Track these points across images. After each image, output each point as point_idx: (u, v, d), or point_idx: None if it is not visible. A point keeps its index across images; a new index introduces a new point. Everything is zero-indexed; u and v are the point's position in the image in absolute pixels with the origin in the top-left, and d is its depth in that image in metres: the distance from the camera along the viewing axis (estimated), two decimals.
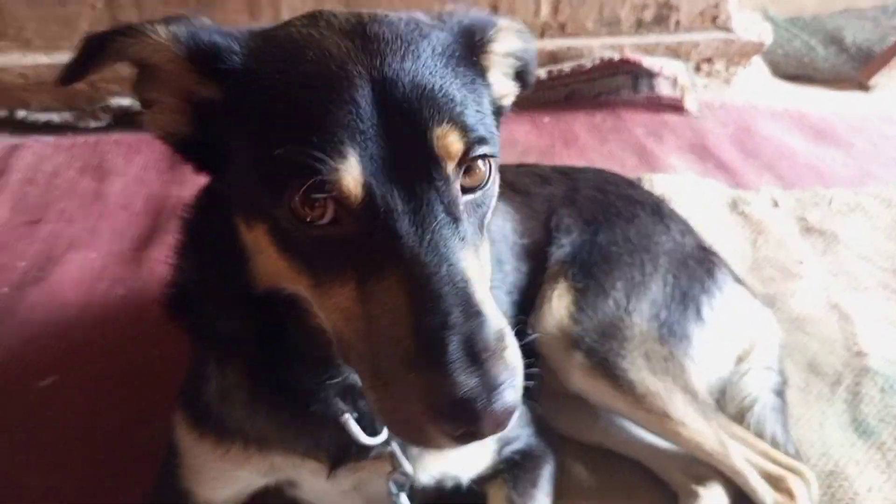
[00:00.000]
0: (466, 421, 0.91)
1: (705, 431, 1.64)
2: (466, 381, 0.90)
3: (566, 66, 3.35)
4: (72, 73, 1.10)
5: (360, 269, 0.98)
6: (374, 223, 0.97)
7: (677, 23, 3.56)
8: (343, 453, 1.34)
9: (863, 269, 2.51)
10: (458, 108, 1.02)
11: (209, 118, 1.08)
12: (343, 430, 1.28)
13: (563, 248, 1.88)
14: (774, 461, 1.65)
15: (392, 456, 1.34)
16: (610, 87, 3.53)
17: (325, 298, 1.03)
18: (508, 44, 1.26)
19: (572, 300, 1.76)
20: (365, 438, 1.29)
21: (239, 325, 1.23)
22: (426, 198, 0.98)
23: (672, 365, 1.71)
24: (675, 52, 3.55)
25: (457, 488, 1.53)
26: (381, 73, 1.00)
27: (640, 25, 3.51)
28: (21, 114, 3.15)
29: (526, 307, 1.82)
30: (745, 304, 1.96)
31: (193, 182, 2.85)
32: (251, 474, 1.41)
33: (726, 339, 1.86)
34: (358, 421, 1.28)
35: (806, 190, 2.94)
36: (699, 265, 1.91)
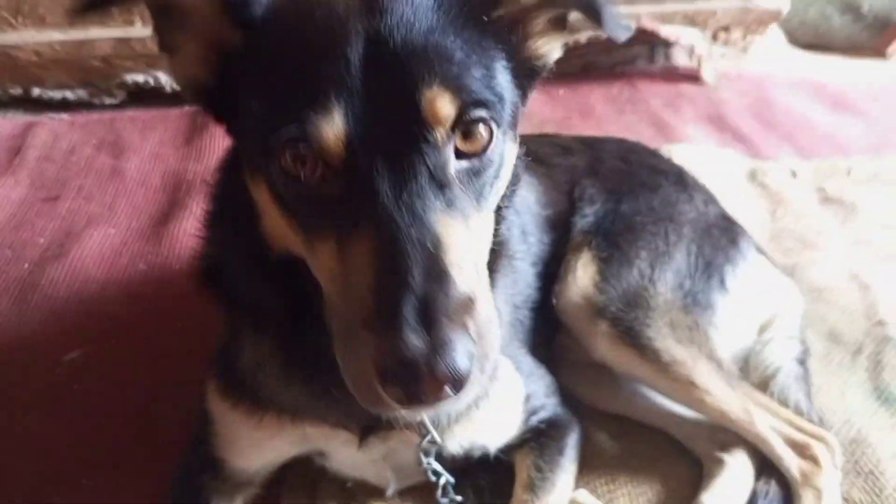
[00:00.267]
0: (406, 382, 0.89)
1: (730, 399, 1.64)
2: (412, 341, 0.88)
3: (582, 37, 3.31)
4: (94, 2, 1.08)
5: (340, 227, 0.98)
6: (355, 182, 0.97)
7: None
8: (373, 420, 1.35)
9: (882, 239, 2.50)
10: (454, 70, 0.99)
11: (229, 68, 1.09)
12: None
13: (586, 217, 1.88)
14: (799, 429, 1.65)
15: (421, 424, 1.35)
16: (626, 58, 3.49)
17: (314, 258, 1.04)
18: None
19: (597, 269, 1.76)
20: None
21: (267, 293, 1.23)
22: (410, 160, 0.97)
23: (697, 333, 1.71)
24: (692, 20, 3.49)
25: (484, 457, 1.55)
26: (377, 30, 0.98)
27: None
28: (36, 91, 3.14)
29: (550, 278, 1.82)
30: (768, 274, 1.96)
31: (209, 157, 2.87)
32: (283, 443, 1.42)
33: (750, 309, 1.86)
34: None
35: (824, 160, 2.92)
36: (723, 234, 1.91)
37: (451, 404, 0.95)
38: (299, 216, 1.04)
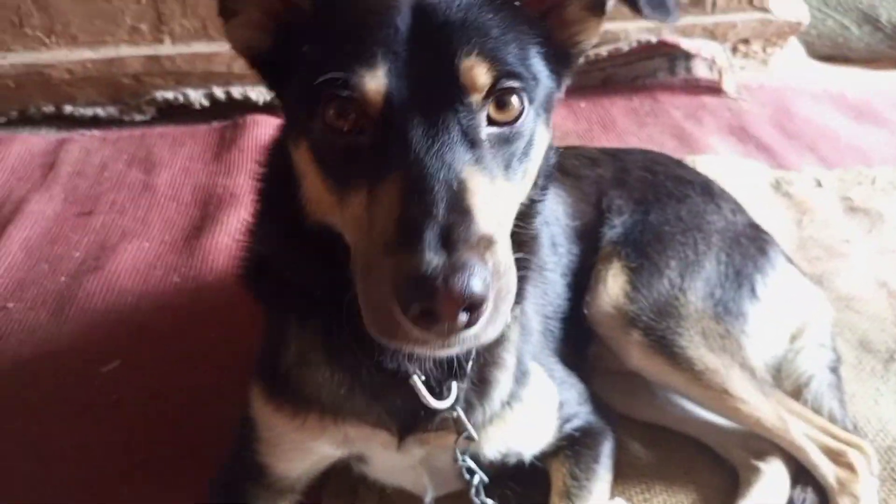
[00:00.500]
0: (422, 295, 0.91)
1: (764, 407, 1.65)
2: (431, 259, 0.92)
3: (603, 50, 3.34)
4: None
5: (372, 177, 1.04)
6: (390, 131, 1.03)
7: (714, 4, 3.53)
8: (412, 419, 1.37)
9: None
10: (491, 43, 1.07)
11: (288, 34, 1.16)
12: (412, 396, 1.32)
13: (614, 228, 1.89)
14: (834, 436, 1.66)
15: (457, 421, 1.37)
16: (647, 71, 3.52)
17: (345, 211, 1.09)
18: None
19: (627, 279, 1.77)
20: (432, 401, 1.31)
21: (309, 270, 1.27)
22: (444, 117, 1.03)
23: (729, 342, 1.72)
24: (711, 33, 3.52)
25: (519, 465, 1.56)
26: (423, 6, 1.08)
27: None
28: (68, 108, 3.22)
29: (580, 288, 1.84)
30: (797, 283, 1.97)
31: (238, 172, 2.91)
32: (326, 446, 1.44)
33: (781, 317, 1.86)
34: (426, 384, 1.31)
35: (849, 169, 2.92)
36: (752, 243, 1.92)
37: (467, 341, 0.99)
38: (334, 172, 1.10)
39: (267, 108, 3.20)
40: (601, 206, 1.95)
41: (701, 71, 3.55)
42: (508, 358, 1.46)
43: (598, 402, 1.72)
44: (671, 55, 3.50)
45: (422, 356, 1.25)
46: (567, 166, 2.03)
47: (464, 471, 1.45)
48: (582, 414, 1.65)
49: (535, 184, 1.26)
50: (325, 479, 1.62)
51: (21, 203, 2.68)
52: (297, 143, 1.16)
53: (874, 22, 4.16)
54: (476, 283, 0.92)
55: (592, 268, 1.85)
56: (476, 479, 1.47)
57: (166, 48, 3.15)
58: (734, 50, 3.64)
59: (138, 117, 3.25)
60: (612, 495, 1.62)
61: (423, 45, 1.05)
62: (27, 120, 3.24)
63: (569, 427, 1.62)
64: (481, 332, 0.98)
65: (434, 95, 1.04)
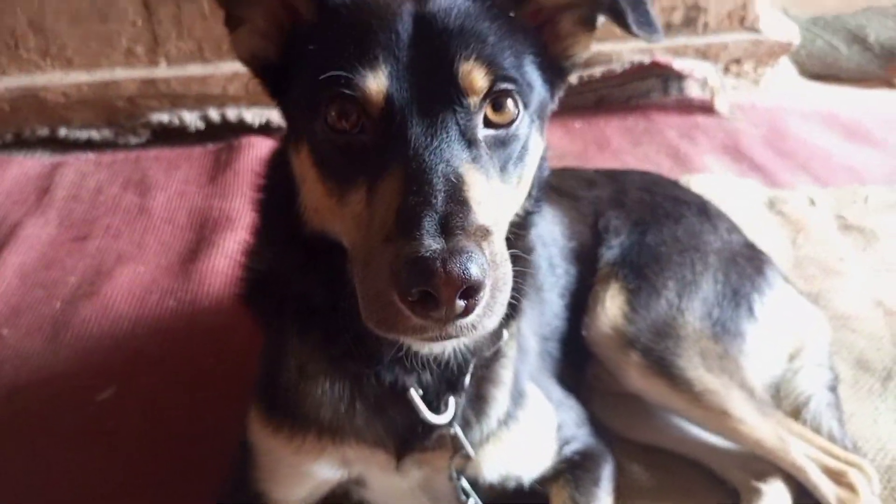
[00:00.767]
0: (421, 279, 0.93)
1: (764, 428, 1.65)
2: (429, 243, 0.94)
3: (597, 71, 3.37)
4: None
5: (371, 174, 1.07)
6: (390, 130, 1.07)
7: (706, 25, 3.57)
8: (409, 437, 1.37)
9: None
10: (488, 49, 1.12)
11: (292, 43, 1.21)
12: (410, 411, 1.32)
13: (612, 249, 1.90)
14: (834, 456, 1.65)
15: (454, 439, 1.37)
16: (640, 91, 3.55)
17: (345, 210, 1.11)
18: None
19: (625, 300, 1.77)
20: (429, 415, 1.32)
21: (307, 280, 1.28)
22: (443, 117, 1.07)
23: (728, 362, 1.72)
24: (703, 53, 3.56)
25: (519, 489, 1.55)
26: (424, 14, 1.14)
27: (668, 28, 3.52)
28: (63, 131, 3.22)
29: (577, 309, 1.84)
30: (795, 302, 1.97)
31: (233, 194, 2.91)
32: (324, 468, 1.42)
33: (779, 337, 1.87)
34: (423, 399, 1.32)
35: (842, 188, 2.94)
36: (748, 263, 1.92)
37: (465, 330, 1.00)
38: (335, 172, 1.13)
39: (262, 130, 3.22)
40: (598, 227, 1.96)
41: (694, 91, 3.59)
42: (505, 375, 1.46)
43: (596, 424, 1.71)
44: (664, 76, 3.53)
45: (420, 355, 1.26)
46: (564, 187, 2.04)
47: (459, 491, 1.44)
48: (581, 436, 1.65)
49: (530, 194, 1.28)
50: None
51: (16, 227, 2.68)
52: (299, 147, 1.19)
53: (862, 42, 4.22)
54: (474, 267, 0.94)
55: (590, 289, 1.85)
56: (471, 502, 1.45)
57: (161, 70, 3.16)
58: (726, 70, 3.68)
59: (133, 140, 3.25)
60: None
61: (423, 49, 1.10)
62: (22, 143, 3.24)
63: (568, 450, 1.61)
64: (478, 321, 1.00)
65: (433, 97, 1.08)
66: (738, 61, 3.67)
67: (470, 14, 1.15)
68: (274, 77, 1.28)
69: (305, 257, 1.27)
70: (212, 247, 2.53)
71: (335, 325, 1.27)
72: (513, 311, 1.30)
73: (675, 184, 2.24)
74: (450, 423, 1.35)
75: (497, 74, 1.11)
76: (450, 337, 1.02)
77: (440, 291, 0.93)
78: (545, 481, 1.58)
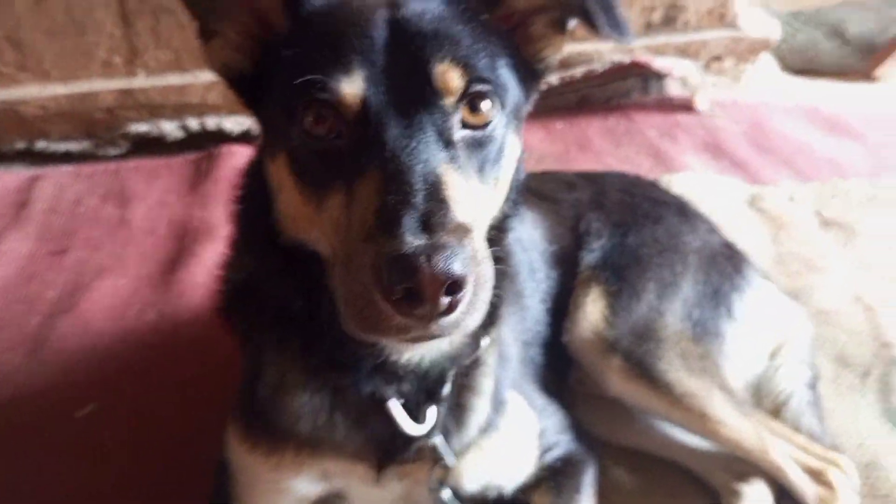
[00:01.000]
0: (404, 274, 0.93)
1: (744, 428, 1.65)
2: (411, 240, 0.95)
3: (577, 72, 3.37)
4: None
5: (349, 178, 1.07)
6: (367, 133, 1.07)
7: (685, 23, 3.57)
8: (390, 448, 1.36)
9: (884, 261, 2.52)
10: (462, 51, 1.13)
11: (266, 53, 1.21)
12: (390, 422, 1.31)
13: (593, 252, 1.90)
14: (813, 455, 1.66)
15: (434, 449, 1.37)
16: (621, 91, 3.55)
17: (323, 216, 1.11)
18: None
19: (606, 304, 1.78)
20: (409, 426, 1.31)
21: (285, 289, 1.28)
22: (419, 118, 1.08)
23: (708, 363, 1.72)
24: (684, 51, 3.56)
25: (500, 499, 1.55)
26: (397, 18, 1.14)
27: (648, 27, 3.53)
28: (41, 144, 3.18)
29: (559, 314, 1.84)
30: (775, 300, 1.98)
31: (214, 203, 2.89)
32: (304, 483, 1.41)
33: (759, 335, 1.87)
34: (402, 408, 1.32)
35: (823, 183, 2.95)
36: (727, 262, 1.93)
37: (448, 328, 0.99)
38: (312, 178, 1.13)
39: (242, 139, 3.20)
40: (579, 230, 1.96)
41: (674, 89, 3.59)
42: (486, 383, 1.45)
43: (579, 429, 1.71)
44: (644, 75, 3.53)
45: (399, 364, 1.26)
46: (545, 191, 2.04)
47: (440, 502, 1.43)
48: (563, 443, 1.64)
49: (508, 196, 1.28)
50: None
51: None
52: (275, 155, 1.19)
53: (842, 36, 4.24)
54: (457, 263, 0.94)
55: (571, 292, 1.85)
56: None
57: (140, 81, 3.14)
58: (707, 67, 3.68)
59: (112, 151, 3.22)
60: None
61: (398, 53, 1.11)
62: None
63: (549, 457, 1.61)
64: (461, 318, 0.99)
65: (409, 99, 1.09)
66: (718, 58, 3.67)
67: (443, 17, 1.17)
68: (249, 87, 1.27)
69: (282, 267, 1.26)
70: (193, 257, 2.52)
71: (313, 335, 1.27)
72: (492, 317, 1.31)
73: (653, 184, 2.25)
74: (429, 434, 1.35)
75: (472, 76, 1.12)
76: (433, 336, 1.02)
77: (425, 288, 0.93)
78: (527, 489, 1.58)
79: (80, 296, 2.38)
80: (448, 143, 1.10)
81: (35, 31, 3.02)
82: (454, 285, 0.94)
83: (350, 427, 1.35)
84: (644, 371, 1.68)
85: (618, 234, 1.94)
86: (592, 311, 1.77)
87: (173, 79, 3.14)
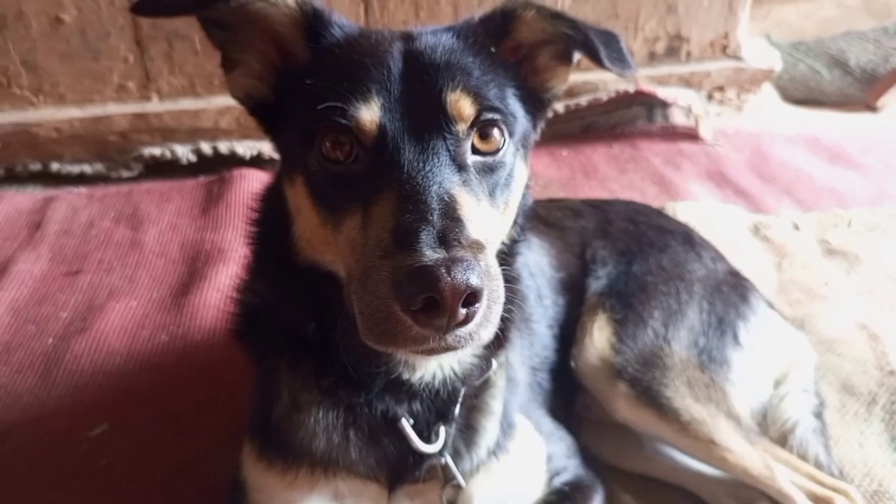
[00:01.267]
0: (424, 285, 0.96)
1: (751, 456, 1.67)
2: (430, 253, 0.99)
3: (583, 100, 3.42)
4: (189, 6, 1.28)
5: (365, 199, 1.12)
6: (383, 157, 1.13)
7: (688, 53, 3.64)
8: (401, 468, 1.39)
9: (887, 288, 2.55)
10: (473, 81, 1.19)
11: (286, 82, 1.27)
12: (401, 441, 1.35)
13: (599, 280, 1.93)
14: (820, 483, 1.67)
15: (445, 469, 1.39)
16: (626, 119, 3.61)
17: (339, 237, 1.16)
18: (534, 32, 1.33)
19: (612, 331, 1.80)
20: (421, 444, 1.34)
21: (300, 311, 1.32)
22: (434, 144, 1.14)
23: (714, 391, 1.74)
24: (687, 81, 3.62)
25: None
26: (412, 50, 1.21)
27: (652, 57, 3.59)
28: (55, 166, 3.23)
29: (566, 340, 1.86)
30: (780, 328, 2.00)
31: (226, 227, 2.92)
32: (316, 502, 1.43)
33: (764, 363, 1.89)
34: (414, 428, 1.35)
35: (825, 212, 2.99)
36: (733, 290, 1.96)
37: (464, 340, 1.03)
38: (329, 201, 1.18)
39: (254, 163, 3.24)
40: (585, 258, 1.99)
41: (678, 118, 3.65)
42: (495, 405, 1.48)
43: (587, 453, 1.73)
44: (649, 103, 3.59)
45: (411, 383, 1.30)
46: (551, 218, 2.08)
47: None
48: (571, 467, 1.66)
49: (515, 222, 1.34)
50: None
51: (7, 263, 2.68)
52: (293, 179, 1.24)
53: (843, 66, 4.30)
54: (473, 276, 0.98)
55: (578, 319, 1.88)
56: None
57: (153, 105, 3.19)
58: (709, 97, 3.74)
59: (125, 174, 3.27)
60: None
61: (412, 83, 1.17)
62: (13, 178, 3.25)
63: (558, 481, 1.62)
64: (475, 331, 1.04)
65: (424, 125, 1.14)
66: (721, 88, 3.73)
67: (454, 50, 1.23)
68: (268, 115, 1.33)
69: (298, 288, 1.31)
70: (204, 280, 2.55)
71: (327, 355, 1.31)
72: (502, 338, 1.35)
73: (659, 212, 2.28)
74: (440, 453, 1.37)
75: (483, 105, 1.18)
76: (448, 348, 1.05)
77: (445, 298, 0.96)
78: None
79: (93, 317, 2.41)
80: (461, 167, 1.16)
81: (50, 55, 3.08)
82: (471, 296, 0.99)
83: (362, 446, 1.38)
84: (651, 398, 1.71)
85: (623, 262, 1.97)
86: (599, 337, 1.79)
87: (186, 103, 3.20)
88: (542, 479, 1.60)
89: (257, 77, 1.31)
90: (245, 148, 3.24)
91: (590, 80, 3.43)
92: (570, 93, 3.40)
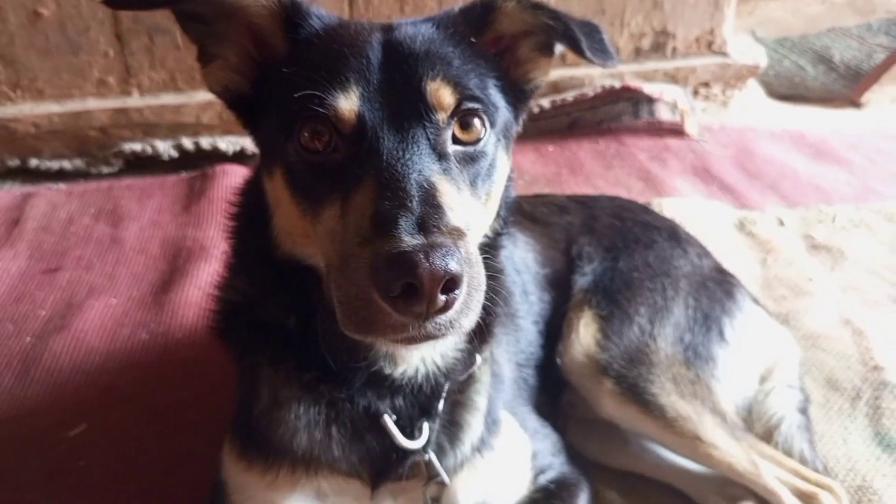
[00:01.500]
0: (402, 270, 0.95)
1: (736, 452, 1.66)
2: (408, 239, 0.98)
3: (569, 95, 3.42)
4: None
5: (345, 189, 1.11)
6: (362, 146, 1.11)
7: (674, 49, 3.64)
8: (384, 465, 1.37)
9: (871, 284, 2.56)
10: (453, 71, 1.18)
11: (264, 75, 1.26)
12: (384, 437, 1.33)
13: (585, 276, 1.92)
14: (805, 478, 1.67)
15: (428, 465, 1.38)
16: (612, 114, 3.60)
17: (318, 228, 1.15)
18: (514, 23, 1.32)
19: (598, 328, 1.79)
20: (404, 441, 1.33)
21: (280, 305, 1.31)
22: (413, 133, 1.12)
23: (699, 387, 1.74)
24: (673, 77, 3.63)
25: None
26: (392, 39, 1.20)
27: (638, 53, 3.59)
28: (33, 162, 3.18)
29: (552, 336, 1.85)
30: (765, 324, 2.00)
31: (207, 223, 2.89)
32: (298, 501, 1.41)
33: (749, 359, 1.89)
34: (396, 424, 1.33)
35: (810, 208, 3.00)
36: (718, 287, 1.95)
37: (444, 328, 1.01)
38: (308, 191, 1.16)
39: (236, 158, 3.21)
40: (571, 254, 1.98)
41: (664, 114, 3.65)
42: (479, 401, 1.47)
43: (572, 451, 1.72)
44: (634, 99, 3.58)
45: (393, 378, 1.29)
46: (537, 214, 2.06)
47: None
48: (556, 465, 1.65)
49: (498, 214, 1.32)
50: None
51: None
52: (272, 172, 1.22)
53: (828, 62, 4.32)
54: (452, 262, 0.97)
55: (564, 316, 1.87)
56: None
57: (134, 100, 3.15)
58: (695, 93, 3.75)
59: (105, 170, 3.23)
60: None
61: (392, 72, 1.16)
62: None
63: (543, 478, 1.61)
64: (456, 318, 1.02)
65: (404, 114, 1.13)
66: (706, 84, 3.74)
67: (434, 40, 1.22)
68: (246, 108, 1.32)
69: (278, 282, 1.30)
70: (185, 277, 2.52)
71: (307, 350, 1.29)
72: (486, 333, 1.35)
73: (644, 208, 2.27)
74: (424, 449, 1.36)
75: (463, 94, 1.17)
76: (428, 336, 1.03)
77: (423, 283, 0.95)
78: None
79: (72, 315, 2.37)
80: (441, 156, 1.14)
81: (29, 50, 3.03)
82: (450, 282, 0.97)
83: (345, 443, 1.36)
84: (636, 394, 1.70)
85: (609, 259, 1.96)
86: (585, 334, 1.78)
87: (168, 98, 3.16)
88: (527, 476, 1.58)
89: (235, 70, 1.29)
90: (227, 143, 3.21)
91: (576, 76, 3.42)
92: (556, 88, 3.40)
